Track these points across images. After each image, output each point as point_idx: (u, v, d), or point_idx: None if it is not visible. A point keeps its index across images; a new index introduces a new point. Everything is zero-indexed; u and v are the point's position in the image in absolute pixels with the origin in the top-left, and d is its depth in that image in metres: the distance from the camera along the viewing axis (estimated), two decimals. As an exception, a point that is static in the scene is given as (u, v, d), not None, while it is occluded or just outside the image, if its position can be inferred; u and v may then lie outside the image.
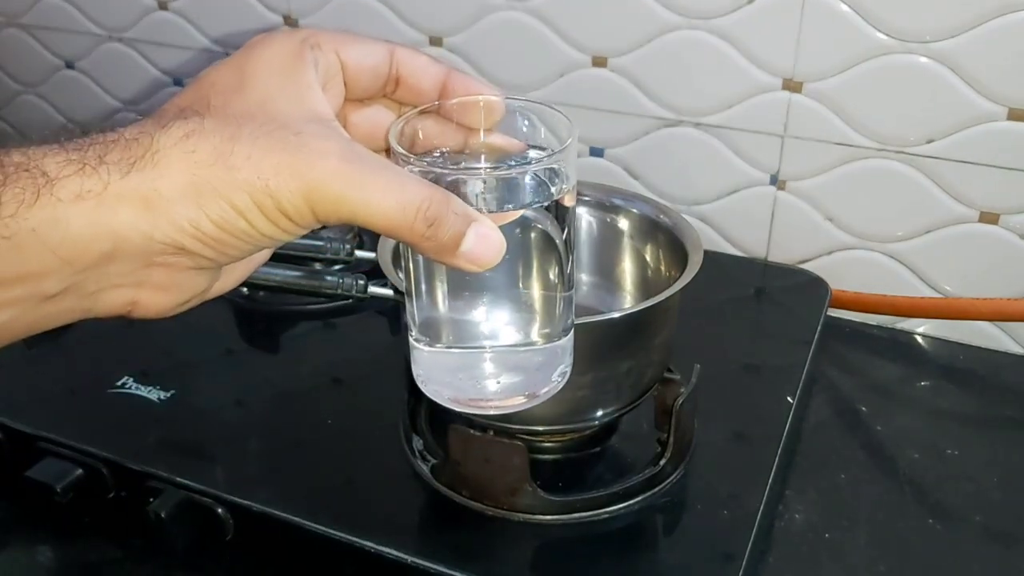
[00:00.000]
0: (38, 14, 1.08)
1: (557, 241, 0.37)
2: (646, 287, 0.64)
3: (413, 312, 0.38)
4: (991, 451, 0.64)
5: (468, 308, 0.36)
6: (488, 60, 0.86)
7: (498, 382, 0.38)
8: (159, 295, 0.32)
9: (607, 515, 0.55)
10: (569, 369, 0.39)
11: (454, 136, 0.38)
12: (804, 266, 0.81)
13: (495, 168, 0.37)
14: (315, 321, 0.75)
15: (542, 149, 0.38)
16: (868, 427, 0.66)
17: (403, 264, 0.37)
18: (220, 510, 0.55)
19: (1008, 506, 0.59)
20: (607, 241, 0.66)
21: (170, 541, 0.56)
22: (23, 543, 0.60)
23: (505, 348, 0.37)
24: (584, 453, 0.60)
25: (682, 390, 0.58)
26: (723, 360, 0.67)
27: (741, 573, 0.50)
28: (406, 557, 0.51)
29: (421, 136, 0.37)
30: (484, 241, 0.33)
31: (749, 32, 0.75)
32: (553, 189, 0.36)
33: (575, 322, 0.40)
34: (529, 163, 0.37)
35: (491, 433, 0.55)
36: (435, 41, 0.88)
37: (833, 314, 0.78)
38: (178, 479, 0.56)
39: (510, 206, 0.35)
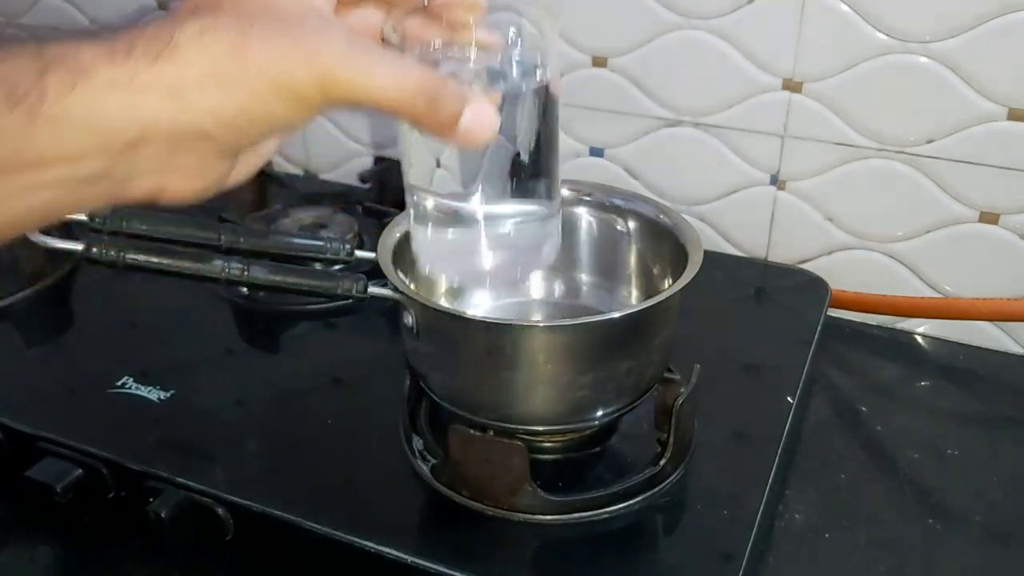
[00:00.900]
0: (38, 14, 1.08)
1: (541, 128, 0.41)
2: (646, 287, 0.64)
3: (414, 198, 0.41)
4: (991, 451, 0.64)
5: (463, 188, 0.40)
6: (488, 60, 0.86)
7: (492, 258, 0.42)
8: (184, 181, 0.35)
9: (607, 515, 0.55)
10: (557, 247, 0.44)
11: (442, 33, 0.40)
12: (804, 266, 0.81)
13: (484, 55, 0.40)
14: (315, 321, 0.75)
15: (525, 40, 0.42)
16: (868, 427, 0.66)
17: (404, 153, 0.41)
18: (220, 510, 0.55)
19: (1008, 506, 0.59)
20: (607, 241, 0.66)
21: (170, 541, 0.56)
22: (23, 543, 0.60)
23: (496, 225, 0.41)
24: (584, 453, 0.60)
25: (682, 390, 0.58)
26: (723, 360, 0.67)
27: (741, 573, 0.50)
28: (406, 557, 0.51)
29: (412, 33, 0.40)
30: (480, 116, 0.36)
31: (749, 32, 0.75)
32: (538, 75, 0.40)
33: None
34: (516, 47, 0.40)
35: (491, 433, 0.55)
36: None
37: (833, 314, 0.78)
38: (178, 479, 0.56)
39: (501, 87, 0.39)
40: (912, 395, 0.71)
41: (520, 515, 0.54)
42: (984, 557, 0.56)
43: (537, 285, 0.69)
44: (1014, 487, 0.61)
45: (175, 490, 0.56)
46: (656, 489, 0.56)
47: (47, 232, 0.53)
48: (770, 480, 0.57)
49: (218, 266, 0.54)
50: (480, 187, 0.41)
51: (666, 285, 0.60)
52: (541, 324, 0.63)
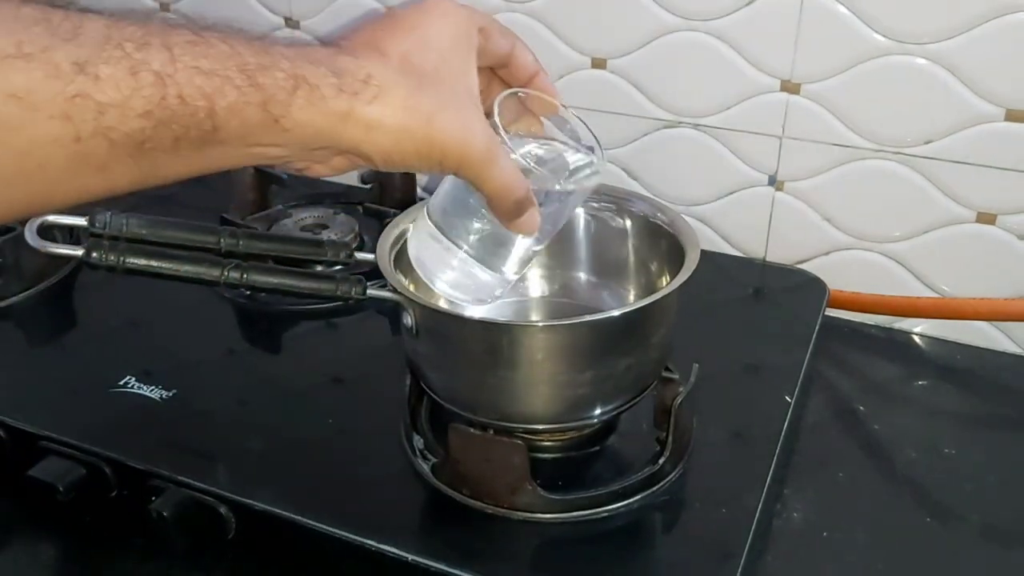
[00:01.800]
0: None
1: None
2: (644, 286, 0.65)
3: (442, 221, 0.52)
4: (989, 450, 0.65)
5: (470, 232, 0.52)
6: (488, 61, 0.86)
7: (456, 281, 0.53)
8: (326, 169, 0.45)
9: (606, 513, 0.55)
10: (502, 296, 0.55)
11: (522, 116, 0.53)
12: (802, 266, 0.81)
13: (560, 182, 0.52)
14: (316, 321, 0.75)
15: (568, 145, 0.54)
16: (866, 426, 0.67)
17: (451, 198, 0.52)
18: (222, 509, 0.56)
19: (1006, 505, 0.60)
20: (606, 240, 0.66)
21: (172, 540, 0.56)
22: (26, 542, 0.60)
23: (471, 263, 0.52)
24: (584, 452, 0.60)
25: (681, 389, 0.58)
26: (722, 360, 0.67)
27: (740, 571, 0.51)
28: (406, 555, 0.51)
29: (503, 110, 0.50)
30: (531, 220, 0.49)
31: (747, 34, 0.76)
32: (573, 202, 0.54)
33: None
34: (571, 193, 0.53)
35: (491, 432, 0.55)
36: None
37: (831, 314, 0.78)
38: (180, 478, 0.56)
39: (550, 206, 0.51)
40: (910, 394, 0.71)
41: (520, 514, 0.54)
42: (981, 555, 0.56)
43: (536, 284, 0.69)
44: (1011, 486, 0.61)
45: (177, 489, 0.56)
46: (655, 488, 0.56)
47: (47, 237, 0.53)
48: (768, 479, 0.57)
49: (217, 270, 0.54)
50: (480, 237, 0.52)
51: (664, 284, 0.60)
52: (540, 323, 0.63)
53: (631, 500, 0.56)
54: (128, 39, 0.35)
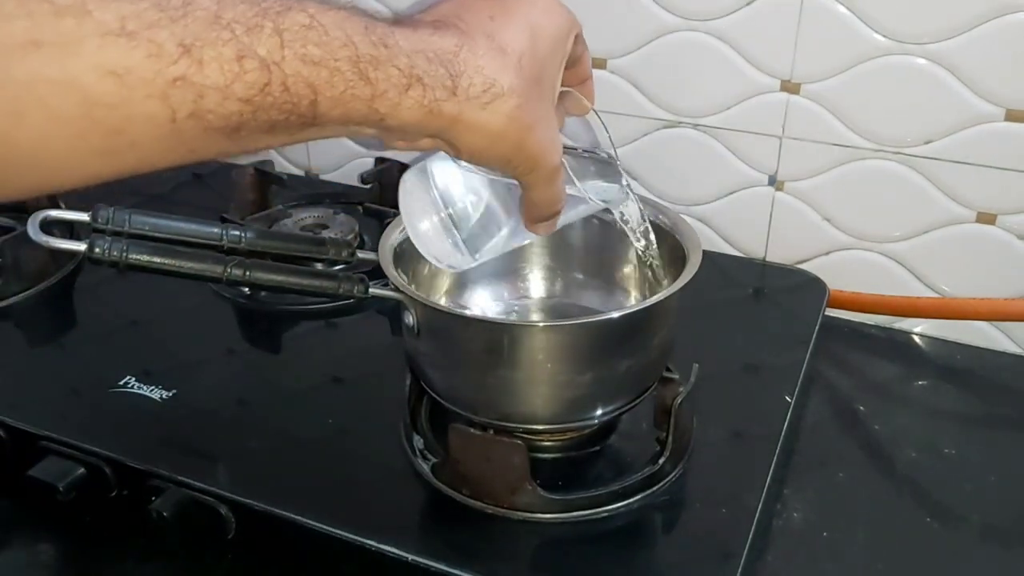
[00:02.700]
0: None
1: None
2: (645, 287, 0.65)
3: (446, 182, 0.52)
4: (989, 450, 0.65)
5: (464, 204, 0.52)
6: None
7: (426, 233, 0.53)
8: (408, 146, 0.45)
9: (606, 513, 0.55)
10: (476, 264, 0.55)
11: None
12: (802, 266, 0.81)
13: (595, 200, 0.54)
14: (316, 321, 0.75)
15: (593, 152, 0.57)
16: (866, 426, 0.67)
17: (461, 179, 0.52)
18: (222, 509, 0.56)
19: (1006, 505, 0.60)
20: (606, 241, 0.66)
21: (172, 540, 0.56)
22: (25, 542, 0.60)
23: (451, 230, 0.53)
24: (584, 452, 0.60)
25: (681, 389, 0.58)
26: (722, 360, 0.67)
27: (740, 571, 0.51)
28: (406, 555, 0.51)
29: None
30: (550, 226, 0.51)
31: (747, 34, 0.76)
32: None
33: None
34: (602, 207, 0.55)
35: (491, 432, 0.55)
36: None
37: (831, 314, 0.78)
38: (180, 478, 0.56)
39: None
40: (910, 394, 0.71)
41: (520, 514, 0.54)
42: (981, 556, 0.56)
43: (537, 285, 0.69)
44: (1011, 486, 0.61)
45: (177, 489, 0.56)
46: (655, 488, 0.56)
47: (50, 232, 0.53)
48: (768, 479, 0.57)
49: (220, 267, 0.54)
50: (483, 215, 0.52)
51: (665, 285, 0.60)
52: (541, 324, 0.63)
53: (631, 500, 0.56)
54: (238, 20, 0.34)
